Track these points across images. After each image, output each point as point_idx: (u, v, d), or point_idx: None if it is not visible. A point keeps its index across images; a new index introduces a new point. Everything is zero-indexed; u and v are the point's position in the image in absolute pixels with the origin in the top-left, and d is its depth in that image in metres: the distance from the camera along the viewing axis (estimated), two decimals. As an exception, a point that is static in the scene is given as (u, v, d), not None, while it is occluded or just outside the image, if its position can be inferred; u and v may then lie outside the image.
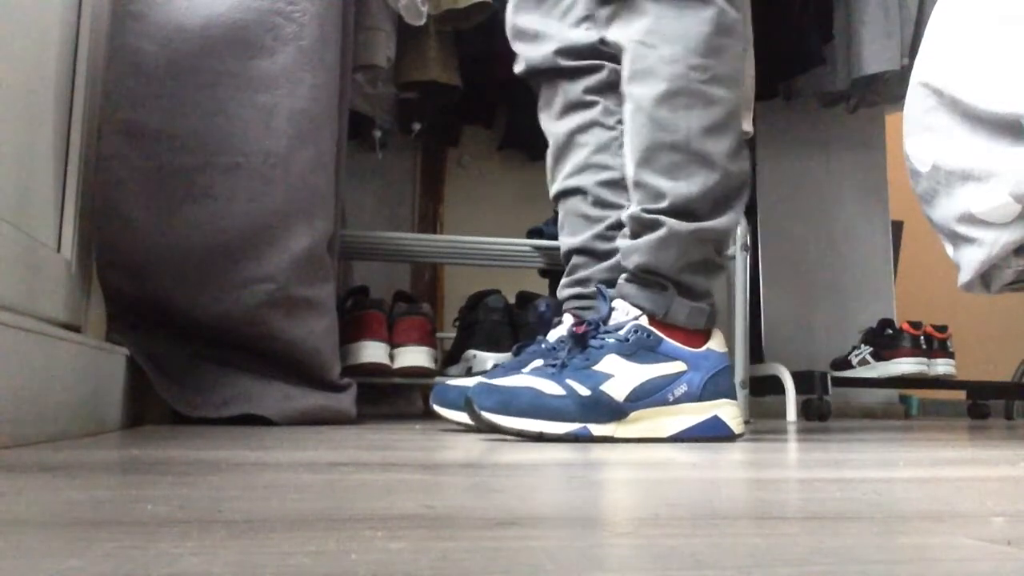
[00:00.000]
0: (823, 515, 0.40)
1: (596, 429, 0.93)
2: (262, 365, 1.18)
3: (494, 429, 0.92)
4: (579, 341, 0.97)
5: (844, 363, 2.23)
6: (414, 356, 1.49)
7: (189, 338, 1.17)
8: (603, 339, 0.96)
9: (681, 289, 0.99)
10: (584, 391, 0.93)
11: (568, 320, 1.14)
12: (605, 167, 1.13)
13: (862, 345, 2.22)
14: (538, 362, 1.06)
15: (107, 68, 1.12)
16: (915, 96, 1.04)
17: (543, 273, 1.85)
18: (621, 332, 0.97)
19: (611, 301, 1.00)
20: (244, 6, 1.16)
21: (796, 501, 0.47)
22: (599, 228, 1.13)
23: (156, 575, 0.25)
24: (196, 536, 0.32)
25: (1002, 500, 0.48)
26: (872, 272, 2.58)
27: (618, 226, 1.08)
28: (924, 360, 2.12)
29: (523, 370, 1.01)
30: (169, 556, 0.28)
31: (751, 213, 2.21)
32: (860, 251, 2.58)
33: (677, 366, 0.97)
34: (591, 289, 1.12)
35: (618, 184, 1.11)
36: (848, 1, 2.17)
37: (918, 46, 1.08)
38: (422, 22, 1.72)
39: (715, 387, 0.98)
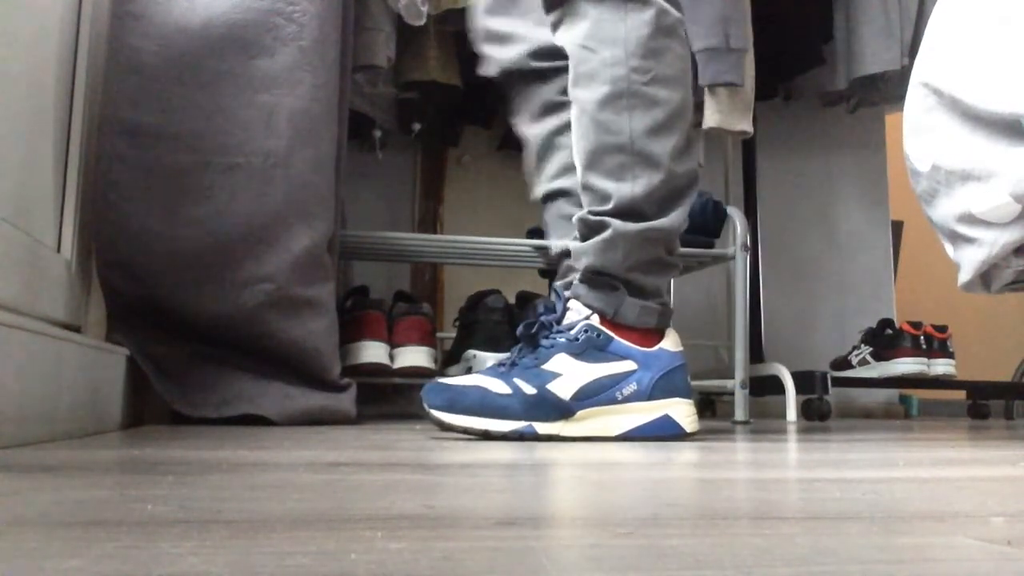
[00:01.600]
0: (823, 515, 0.40)
1: (541, 427, 0.94)
2: (262, 365, 1.19)
3: (442, 426, 0.94)
4: (531, 341, 0.98)
5: (844, 363, 2.23)
6: (414, 356, 1.49)
7: (189, 338, 1.17)
8: (554, 339, 0.98)
9: (631, 288, 1.00)
10: (530, 390, 0.94)
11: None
12: None
13: (862, 345, 2.21)
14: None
15: (107, 68, 1.12)
16: (915, 96, 1.04)
17: (543, 273, 1.85)
18: (572, 332, 0.98)
19: (566, 301, 1.01)
20: (244, 6, 1.16)
21: (796, 501, 0.47)
22: None
23: (156, 575, 0.25)
24: (196, 536, 0.32)
25: (1002, 500, 0.48)
26: (872, 272, 2.58)
27: None
28: (924, 360, 2.12)
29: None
30: (169, 556, 0.28)
31: (751, 213, 2.21)
32: (860, 251, 2.58)
33: (627, 365, 0.97)
34: None
35: None
36: (848, 1, 2.17)
37: (918, 46, 1.08)
38: (422, 22, 1.72)
39: (667, 386, 0.98)
